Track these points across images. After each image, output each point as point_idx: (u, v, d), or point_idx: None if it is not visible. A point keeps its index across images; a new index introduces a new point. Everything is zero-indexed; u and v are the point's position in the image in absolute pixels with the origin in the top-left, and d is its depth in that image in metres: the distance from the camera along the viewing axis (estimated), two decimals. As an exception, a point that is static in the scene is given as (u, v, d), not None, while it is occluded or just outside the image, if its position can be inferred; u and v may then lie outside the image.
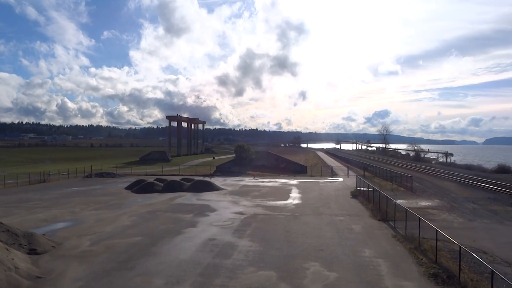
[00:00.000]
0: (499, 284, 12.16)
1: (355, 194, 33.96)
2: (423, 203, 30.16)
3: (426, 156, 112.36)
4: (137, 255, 16.23)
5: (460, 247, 13.26)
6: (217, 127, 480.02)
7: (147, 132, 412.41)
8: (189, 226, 21.70)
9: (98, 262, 15.35)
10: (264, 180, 49.80)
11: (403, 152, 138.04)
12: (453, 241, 14.47)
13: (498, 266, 14.66)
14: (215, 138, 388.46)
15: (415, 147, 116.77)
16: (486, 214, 25.49)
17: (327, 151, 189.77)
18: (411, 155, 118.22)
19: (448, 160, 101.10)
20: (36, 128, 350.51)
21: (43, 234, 18.82)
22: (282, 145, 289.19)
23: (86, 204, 29.99)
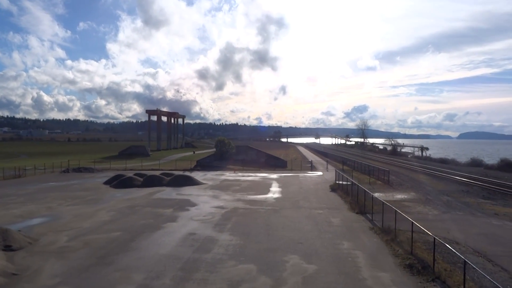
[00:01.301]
0: (471, 273, 12.60)
1: (334, 188, 34.41)
2: (400, 196, 30.83)
3: (402, 150, 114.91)
4: (116, 251, 15.98)
5: (434, 238, 13.59)
6: (198, 121, 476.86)
7: (126, 126, 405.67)
8: (169, 221, 21.51)
9: (76, 258, 15.03)
10: (245, 174, 49.86)
11: (381, 147, 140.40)
12: (427, 232, 14.80)
13: (470, 256, 15.12)
14: (195, 133, 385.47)
15: (392, 142, 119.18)
16: (459, 206, 26.23)
17: (307, 146, 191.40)
18: (388, 149, 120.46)
19: (424, 154, 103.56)
20: (10, 122, 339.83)
21: (19, 230, 18.27)
22: (267, 139, 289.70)
23: (63, 199, 29.29)
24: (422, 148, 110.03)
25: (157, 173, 44.33)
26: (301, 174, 49.73)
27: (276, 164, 62.55)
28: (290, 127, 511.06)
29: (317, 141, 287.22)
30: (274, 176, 47.65)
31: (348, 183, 31.23)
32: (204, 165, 60.41)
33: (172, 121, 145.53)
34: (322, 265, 14.28)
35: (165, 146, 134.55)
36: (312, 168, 58.63)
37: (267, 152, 72.18)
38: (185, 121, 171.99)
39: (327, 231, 19.21)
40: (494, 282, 10.64)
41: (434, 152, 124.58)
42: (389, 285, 12.52)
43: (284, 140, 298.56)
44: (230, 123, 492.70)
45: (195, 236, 18.31)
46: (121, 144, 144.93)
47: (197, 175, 46.39)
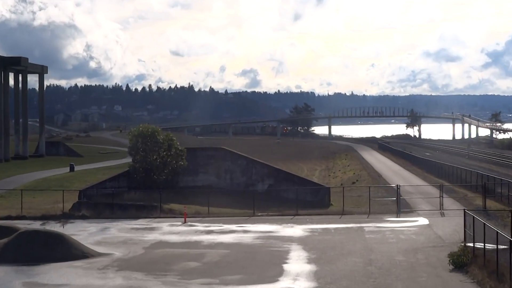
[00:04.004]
0: None
1: (462, 262, 34.59)
2: None
3: None
4: None
5: None
6: (82, 82, 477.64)
7: None
8: None
9: None
10: (215, 226, 50.43)
11: None
12: None
13: None
14: (76, 112, 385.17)
15: None
16: None
17: (382, 145, 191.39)
18: None
19: None
20: None
21: None
22: (276, 129, 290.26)
23: None
24: None
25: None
26: (369, 225, 50.13)
27: (300, 197, 62.60)
28: (338, 95, 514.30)
29: (412, 131, 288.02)
30: (296, 231, 48.16)
31: (502, 246, 31.22)
32: (100, 204, 60.73)
33: (12, 82, 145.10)
34: None
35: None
36: (401, 207, 58.69)
37: (276, 167, 72.07)
38: (46, 83, 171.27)
39: None
40: None
41: None
42: None
43: (321, 131, 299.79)
44: (173, 86, 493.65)
45: None
46: None
47: (83, 231, 47.00)
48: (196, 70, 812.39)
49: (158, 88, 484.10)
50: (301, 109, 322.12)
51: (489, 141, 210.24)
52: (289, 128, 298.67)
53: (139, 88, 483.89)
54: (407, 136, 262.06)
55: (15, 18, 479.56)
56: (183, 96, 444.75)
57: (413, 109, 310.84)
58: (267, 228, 49.38)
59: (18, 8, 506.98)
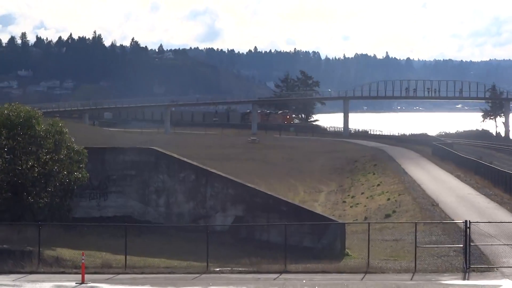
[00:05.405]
0: None
1: None
2: None
3: None
4: None
5: None
6: None
7: None
8: None
9: None
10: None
11: None
12: None
13: None
14: None
15: None
16: None
17: (440, 149, 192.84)
18: None
19: None
20: None
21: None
22: (286, 118, 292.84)
23: None
24: None
25: None
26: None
27: (292, 238, 62.61)
28: (363, 58, 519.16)
29: (494, 125, 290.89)
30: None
31: None
32: None
33: None
34: None
35: None
36: (472, 260, 58.58)
37: (249, 185, 72.48)
38: None
39: None
40: None
41: None
42: None
43: (330, 122, 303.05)
44: (65, 37, 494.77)
45: None
46: None
47: None
48: (107, 10, 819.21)
49: (39, 39, 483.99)
50: (295, 82, 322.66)
51: None
52: (286, 116, 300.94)
53: (5, 40, 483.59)
54: (484, 134, 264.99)
55: None
56: (84, 56, 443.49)
57: (495, 85, 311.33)
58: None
59: None
